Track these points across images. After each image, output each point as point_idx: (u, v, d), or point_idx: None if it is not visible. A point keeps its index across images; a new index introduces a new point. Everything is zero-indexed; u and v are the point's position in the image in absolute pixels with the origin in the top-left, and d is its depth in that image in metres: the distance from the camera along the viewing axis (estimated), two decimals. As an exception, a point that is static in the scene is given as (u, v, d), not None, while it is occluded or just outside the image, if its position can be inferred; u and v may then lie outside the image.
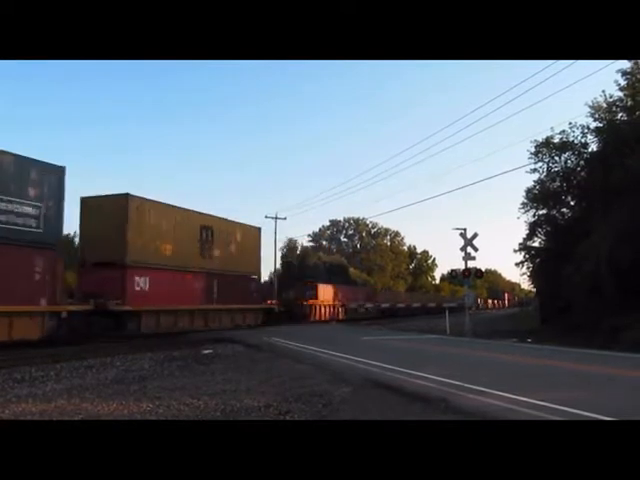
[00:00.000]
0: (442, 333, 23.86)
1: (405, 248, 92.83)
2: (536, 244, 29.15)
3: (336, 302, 42.69)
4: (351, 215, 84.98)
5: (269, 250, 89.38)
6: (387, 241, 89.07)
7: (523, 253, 29.40)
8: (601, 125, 24.32)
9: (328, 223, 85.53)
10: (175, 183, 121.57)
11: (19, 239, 15.68)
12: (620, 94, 23.49)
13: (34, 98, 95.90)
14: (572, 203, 27.53)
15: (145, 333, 21.30)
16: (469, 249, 24.87)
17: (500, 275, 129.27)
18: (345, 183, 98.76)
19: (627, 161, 19.96)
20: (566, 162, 26.39)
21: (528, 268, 30.14)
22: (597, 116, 24.55)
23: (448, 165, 79.80)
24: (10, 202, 15.51)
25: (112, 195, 21.57)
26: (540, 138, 26.36)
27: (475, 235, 25.12)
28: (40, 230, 16.36)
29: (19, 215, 15.74)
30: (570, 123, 25.56)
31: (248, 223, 30.58)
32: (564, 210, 27.90)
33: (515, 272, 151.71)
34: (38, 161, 16.82)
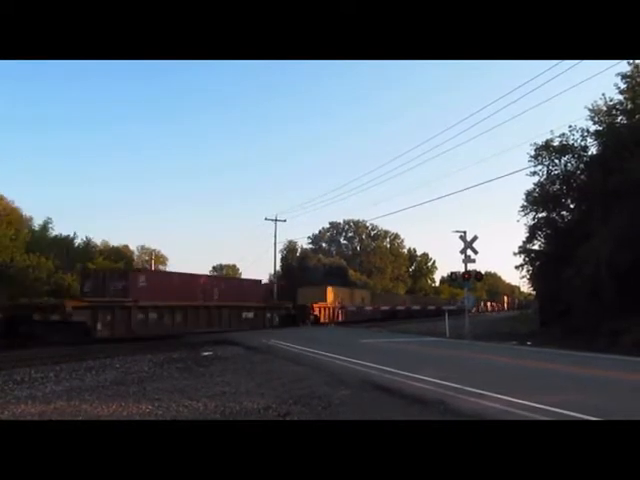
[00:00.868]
0: (442, 336, 23.84)
1: (405, 251, 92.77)
2: (536, 247, 29.11)
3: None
4: (351, 217, 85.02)
5: (269, 252, 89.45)
6: (387, 243, 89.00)
7: (523, 256, 29.35)
8: (601, 128, 24.30)
9: (328, 225, 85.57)
10: (176, 182, 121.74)
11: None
12: (620, 97, 23.51)
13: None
14: (572, 206, 27.50)
15: (146, 334, 22.11)
16: (469, 252, 24.88)
17: (500, 278, 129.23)
18: (345, 185, 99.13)
19: (627, 164, 19.94)
20: (566, 165, 26.39)
21: (528, 271, 30.09)
22: (597, 119, 24.55)
23: (448, 168, 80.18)
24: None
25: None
26: (540, 141, 26.39)
27: (475, 238, 25.13)
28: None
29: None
30: (570, 126, 25.58)
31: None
32: (564, 213, 27.88)
33: (515, 275, 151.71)
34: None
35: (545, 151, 26.26)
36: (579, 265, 20.87)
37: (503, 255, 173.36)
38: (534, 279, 31.08)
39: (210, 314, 26.83)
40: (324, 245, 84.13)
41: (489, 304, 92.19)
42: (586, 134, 25.06)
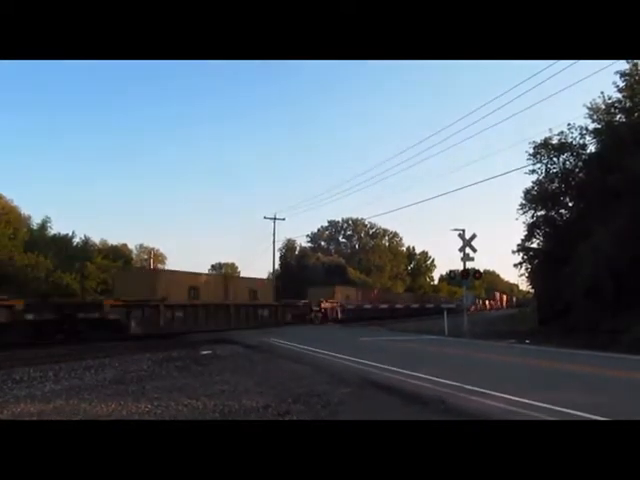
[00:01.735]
0: (440, 334, 23.86)
1: (404, 249, 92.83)
2: (534, 245, 29.11)
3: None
4: (349, 216, 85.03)
5: (267, 250, 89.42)
6: (385, 242, 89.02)
7: (521, 254, 29.36)
8: (599, 126, 24.33)
9: (327, 224, 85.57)
10: (174, 180, 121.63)
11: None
12: (618, 95, 23.52)
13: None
14: (570, 204, 27.51)
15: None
16: (468, 250, 24.89)
17: (499, 276, 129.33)
18: (344, 184, 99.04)
19: (625, 162, 19.96)
20: (564, 163, 26.40)
21: (526, 269, 30.09)
22: (595, 117, 24.58)
23: (447, 166, 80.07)
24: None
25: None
26: (539, 139, 26.41)
27: (474, 236, 25.14)
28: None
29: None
30: (568, 124, 25.61)
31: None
32: (562, 211, 27.89)
33: (514, 273, 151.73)
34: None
35: (544, 149, 26.28)
36: (578, 263, 20.89)
37: (502, 253, 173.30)
38: (533, 277, 31.09)
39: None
40: (323, 244, 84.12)
41: (487, 302, 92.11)
42: (585, 132, 25.11)
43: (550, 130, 26.20)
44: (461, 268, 25.47)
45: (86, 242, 47.50)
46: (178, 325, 24.92)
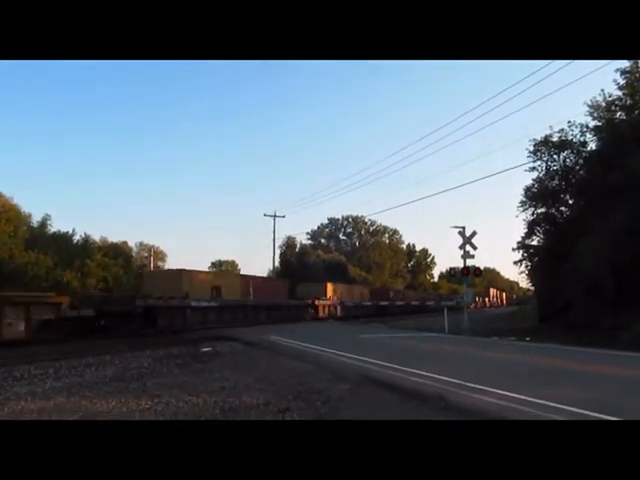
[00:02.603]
0: (440, 331, 23.90)
1: (404, 246, 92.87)
2: (535, 242, 29.10)
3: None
4: (350, 213, 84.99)
5: (268, 248, 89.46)
6: (386, 239, 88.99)
7: (522, 252, 29.35)
8: (600, 124, 24.31)
9: (327, 221, 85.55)
10: (174, 178, 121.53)
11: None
12: (619, 93, 23.50)
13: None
14: (571, 202, 27.50)
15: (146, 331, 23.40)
16: (468, 247, 24.91)
17: (499, 273, 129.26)
18: (344, 181, 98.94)
19: (626, 160, 19.95)
20: (565, 161, 26.38)
21: (527, 267, 30.07)
22: (596, 115, 24.56)
23: (448, 163, 79.88)
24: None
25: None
26: (539, 136, 26.39)
27: (474, 233, 25.16)
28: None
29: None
30: (569, 122, 25.59)
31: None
32: (563, 209, 27.88)
33: (514, 270, 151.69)
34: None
35: (544, 147, 26.26)
36: (578, 261, 20.89)
37: (502, 251, 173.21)
38: (533, 275, 31.08)
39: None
40: (323, 241, 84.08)
41: (485, 300, 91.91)
42: (585, 130, 25.10)
43: (550, 127, 26.22)
44: (461, 265, 25.49)
45: (86, 240, 47.47)
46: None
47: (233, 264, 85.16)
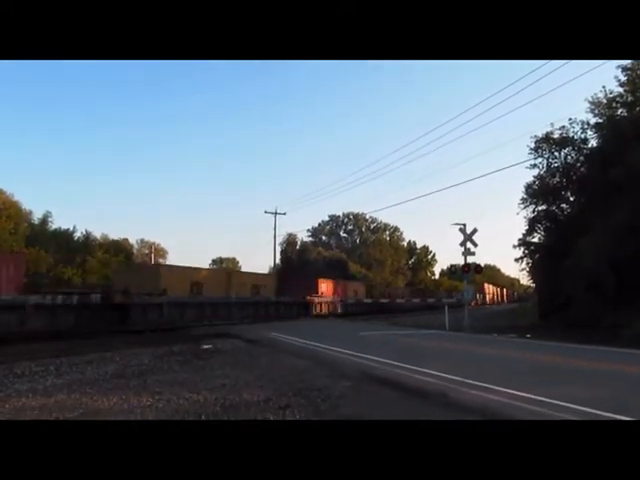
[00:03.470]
0: (441, 328, 23.91)
1: (404, 243, 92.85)
2: (536, 240, 29.12)
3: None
4: (350, 210, 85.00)
5: (268, 245, 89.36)
6: (386, 236, 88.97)
7: (522, 249, 29.37)
8: (601, 121, 24.29)
9: (327, 218, 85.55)
10: (175, 175, 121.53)
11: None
12: (620, 90, 23.48)
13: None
14: (572, 199, 27.50)
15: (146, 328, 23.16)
16: (469, 244, 24.90)
17: (499, 270, 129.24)
18: (344, 178, 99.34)
19: (627, 157, 19.93)
20: (566, 158, 26.38)
21: (527, 264, 30.10)
22: (597, 112, 24.53)
23: (448, 160, 80.00)
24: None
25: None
26: (540, 133, 26.37)
27: (475, 230, 25.14)
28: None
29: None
30: (570, 119, 25.58)
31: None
32: (564, 206, 27.88)
33: (515, 267, 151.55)
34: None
35: (545, 144, 26.27)
36: (579, 258, 20.89)
37: (503, 248, 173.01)
38: (533, 272, 31.12)
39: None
40: (324, 238, 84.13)
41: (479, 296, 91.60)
42: (586, 126, 25.09)
43: (552, 124, 26.20)
44: (462, 262, 25.50)
45: (87, 237, 47.58)
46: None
47: (234, 261, 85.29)
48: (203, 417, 6.83)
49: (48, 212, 43.58)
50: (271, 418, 6.70)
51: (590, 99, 24.49)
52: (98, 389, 9.05)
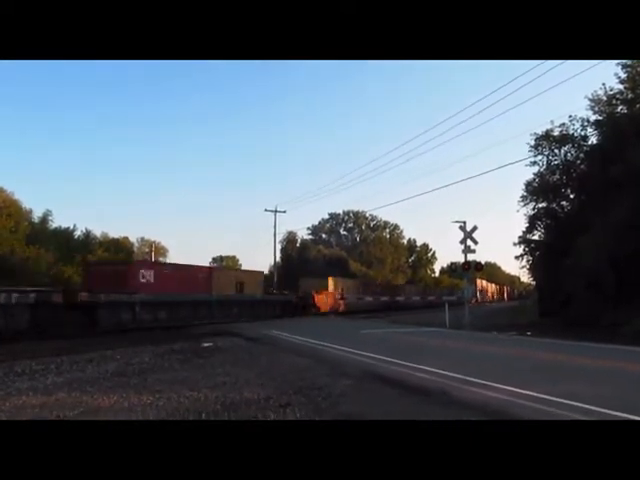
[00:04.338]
0: (441, 326, 23.92)
1: (404, 241, 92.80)
2: (536, 237, 29.14)
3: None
4: (350, 208, 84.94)
5: (269, 243, 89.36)
6: (386, 234, 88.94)
7: (523, 246, 29.39)
8: (601, 118, 24.26)
9: (327, 216, 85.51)
10: (175, 173, 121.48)
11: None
12: (620, 87, 23.43)
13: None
14: (572, 196, 27.48)
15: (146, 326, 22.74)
16: (469, 242, 24.89)
17: (500, 268, 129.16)
18: (344, 176, 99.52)
19: (627, 154, 19.92)
20: (566, 155, 26.36)
21: (528, 261, 30.12)
22: (597, 109, 24.50)
23: (448, 158, 79.88)
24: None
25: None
26: (540, 131, 26.34)
27: (475, 228, 25.13)
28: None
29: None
30: (570, 116, 25.53)
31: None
32: (564, 203, 27.87)
33: (515, 265, 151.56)
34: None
35: (545, 141, 26.23)
36: (579, 255, 20.90)
37: (503, 245, 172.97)
38: (534, 269, 31.12)
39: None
40: (324, 236, 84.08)
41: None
42: (586, 124, 25.05)
43: (551, 122, 26.17)
44: (462, 260, 25.50)
45: (87, 235, 47.58)
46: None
47: (234, 259, 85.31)
48: (204, 415, 6.84)
49: (48, 211, 43.59)
50: (272, 416, 6.71)
51: (590, 96, 24.48)
52: (99, 387, 9.06)
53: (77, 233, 46.29)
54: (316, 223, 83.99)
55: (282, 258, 57.78)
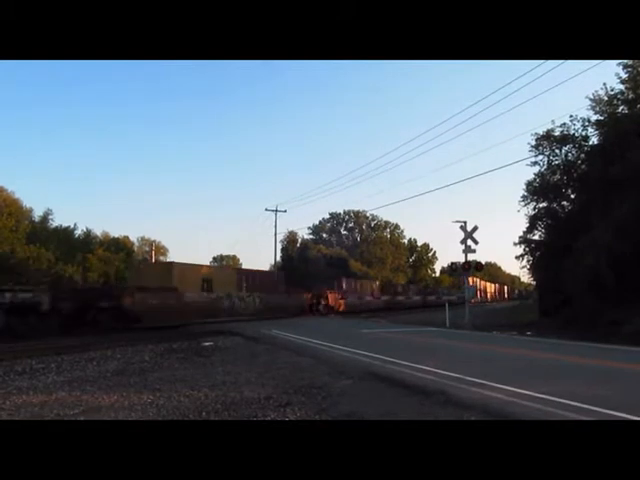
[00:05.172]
0: (442, 326, 23.91)
1: (405, 241, 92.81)
2: (536, 237, 29.10)
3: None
4: (351, 208, 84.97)
5: (269, 242, 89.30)
6: (387, 234, 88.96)
7: (523, 246, 29.34)
8: (602, 118, 24.22)
9: (328, 216, 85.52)
10: (176, 173, 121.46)
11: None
12: (621, 87, 23.40)
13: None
14: (572, 196, 27.43)
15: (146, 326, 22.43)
16: (469, 242, 24.88)
17: (500, 268, 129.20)
18: (345, 176, 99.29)
19: (628, 154, 19.89)
20: (567, 155, 26.31)
21: (528, 261, 30.06)
22: (598, 109, 24.46)
23: (449, 158, 79.75)
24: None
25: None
26: (541, 131, 26.32)
27: (475, 228, 25.12)
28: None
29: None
30: (571, 116, 25.49)
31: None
32: (564, 203, 27.82)
33: (515, 265, 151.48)
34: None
35: (546, 141, 26.19)
36: (579, 255, 20.88)
37: (504, 245, 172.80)
38: (534, 269, 31.07)
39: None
40: (325, 236, 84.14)
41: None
42: (587, 124, 24.99)
43: (552, 122, 26.14)
44: (463, 260, 25.49)
45: (88, 234, 47.65)
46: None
47: (235, 259, 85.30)
48: (204, 414, 6.85)
49: (49, 210, 43.68)
50: (272, 415, 6.71)
51: (591, 96, 24.45)
52: (99, 386, 9.07)
53: (77, 232, 46.37)
54: (317, 223, 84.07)
55: (282, 258, 57.75)
